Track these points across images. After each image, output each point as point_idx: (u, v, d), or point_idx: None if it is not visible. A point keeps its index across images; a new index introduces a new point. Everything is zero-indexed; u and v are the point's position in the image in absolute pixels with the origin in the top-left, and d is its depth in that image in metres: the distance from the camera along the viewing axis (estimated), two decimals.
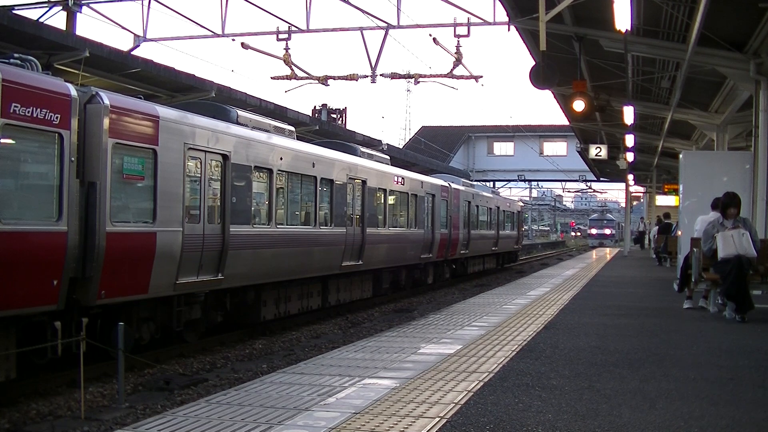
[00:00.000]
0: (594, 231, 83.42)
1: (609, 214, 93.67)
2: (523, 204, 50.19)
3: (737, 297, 10.15)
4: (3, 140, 9.05)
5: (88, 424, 8.64)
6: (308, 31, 19.47)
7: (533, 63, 14.27)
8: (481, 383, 5.89)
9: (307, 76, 20.89)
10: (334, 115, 34.68)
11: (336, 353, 7.51)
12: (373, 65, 20.27)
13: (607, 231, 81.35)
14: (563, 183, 78.01)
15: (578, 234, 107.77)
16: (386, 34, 19.66)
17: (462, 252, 29.19)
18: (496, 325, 9.37)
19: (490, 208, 33.86)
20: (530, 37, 16.63)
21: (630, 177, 39.89)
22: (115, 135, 10.56)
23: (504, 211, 36.76)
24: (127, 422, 8.48)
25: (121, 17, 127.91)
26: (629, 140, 26.21)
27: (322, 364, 6.81)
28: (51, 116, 9.47)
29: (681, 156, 18.28)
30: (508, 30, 17.41)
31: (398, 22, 19.36)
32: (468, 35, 19.11)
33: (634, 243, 47.63)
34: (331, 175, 17.55)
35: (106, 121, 10.39)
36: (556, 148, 63.93)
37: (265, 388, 5.74)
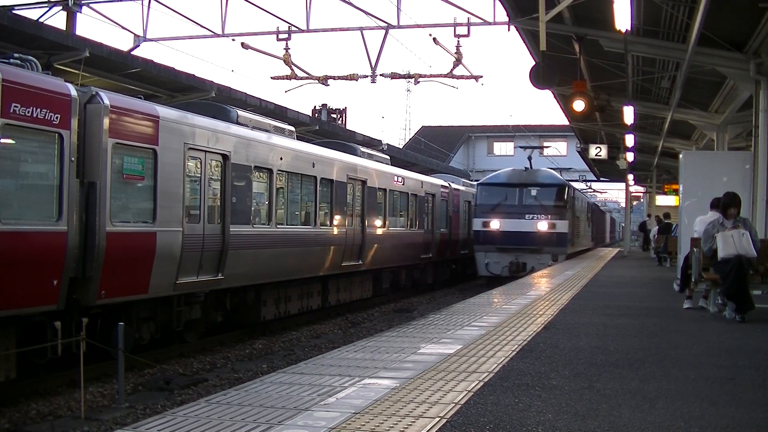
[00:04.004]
0: (496, 226, 26.21)
1: (553, 171, 31.43)
2: None
3: (737, 297, 10.15)
4: (3, 140, 9.05)
5: (88, 424, 8.65)
6: (308, 31, 19.45)
7: (533, 63, 14.27)
8: (481, 383, 5.89)
9: (307, 76, 20.87)
10: (334, 115, 34.69)
11: (336, 353, 7.50)
12: (373, 65, 20.25)
13: (542, 224, 26.07)
14: None
15: None
16: (386, 34, 19.65)
17: (462, 252, 29.19)
18: (496, 325, 9.36)
19: None
20: (530, 37, 16.62)
21: (630, 177, 39.87)
22: (115, 135, 10.56)
23: None
24: (127, 422, 8.49)
25: (121, 17, 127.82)
26: (629, 140, 26.20)
27: (322, 364, 6.80)
28: (51, 116, 9.47)
29: (681, 156, 18.28)
30: (508, 30, 17.41)
31: (398, 22, 19.34)
32: (468, 35, 19.10)
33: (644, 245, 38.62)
34: (331, 175, 17.55)
35: (106, 121, 10.39)
36: (556, 148, 63.91)
37: (265, 388, 5.73)
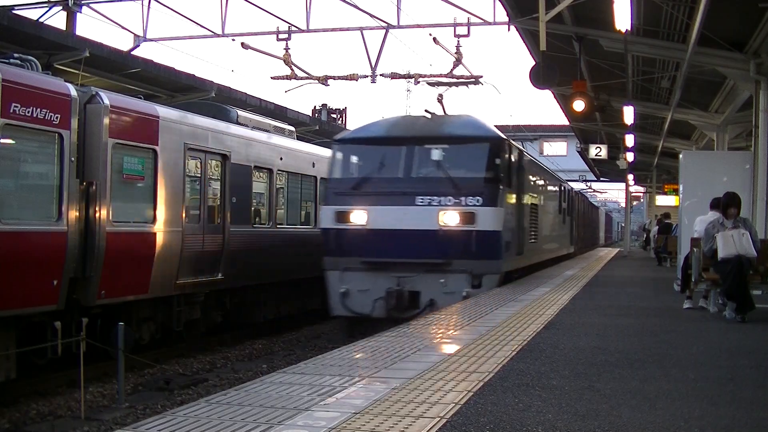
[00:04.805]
0: (362, 220, 13.12)
1: (477, 119, 14.64)
2: None
3: (737, 297, 10.15)
4: (3, 140, 9.06)
5: (88, 424, 8.65)
6: (308, 31, 19.44)
7: (533, 63, 14.27)
8: (481, 383, 5.88)
9: (307, 76, 20.85)
10: (334, 115, 34.68)
11: (336, 353, 7.50)
12: (373, 65, 20.24)
13: (451, 215, 12.93)
14: None
15: None
16: (386, 33, 19.62)
17: None
18: (496, 325, 9.36)
19: None
20: (530, 37, 16.63)
21: (630, 177, 39.86)
22: (115, 135, 10.57)
23: None
24: (127, 422, 8.49)
25: (121, 17, 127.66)
26: (629, 140, 26.21)
27: (322, 364, 6.79)
28: (51, 116, 9.48)
29: (681, 156, 18.27)
30: (508, 30, 17.41)
31: (398, 22, 19.33)
32: (468, 35, 19.07)
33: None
34: None
35: (106, 121, 10.40)
36: (556, 148, 63.89)
37: (265, 388, 5.73)
